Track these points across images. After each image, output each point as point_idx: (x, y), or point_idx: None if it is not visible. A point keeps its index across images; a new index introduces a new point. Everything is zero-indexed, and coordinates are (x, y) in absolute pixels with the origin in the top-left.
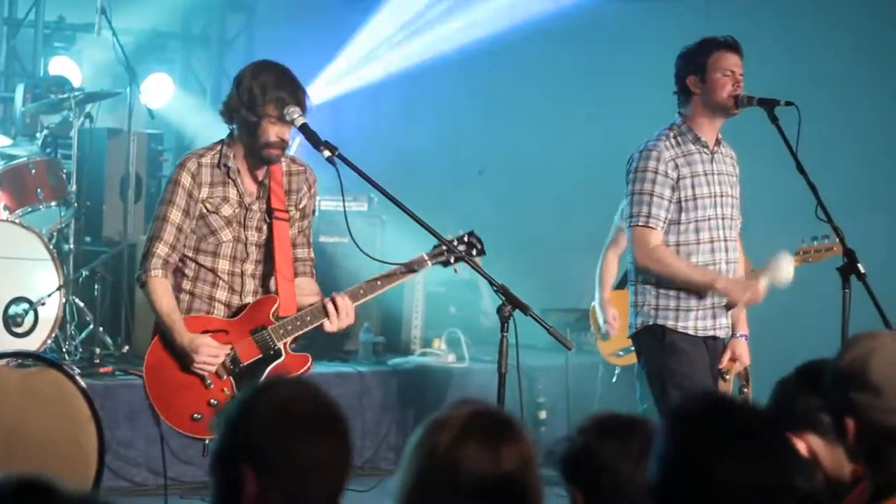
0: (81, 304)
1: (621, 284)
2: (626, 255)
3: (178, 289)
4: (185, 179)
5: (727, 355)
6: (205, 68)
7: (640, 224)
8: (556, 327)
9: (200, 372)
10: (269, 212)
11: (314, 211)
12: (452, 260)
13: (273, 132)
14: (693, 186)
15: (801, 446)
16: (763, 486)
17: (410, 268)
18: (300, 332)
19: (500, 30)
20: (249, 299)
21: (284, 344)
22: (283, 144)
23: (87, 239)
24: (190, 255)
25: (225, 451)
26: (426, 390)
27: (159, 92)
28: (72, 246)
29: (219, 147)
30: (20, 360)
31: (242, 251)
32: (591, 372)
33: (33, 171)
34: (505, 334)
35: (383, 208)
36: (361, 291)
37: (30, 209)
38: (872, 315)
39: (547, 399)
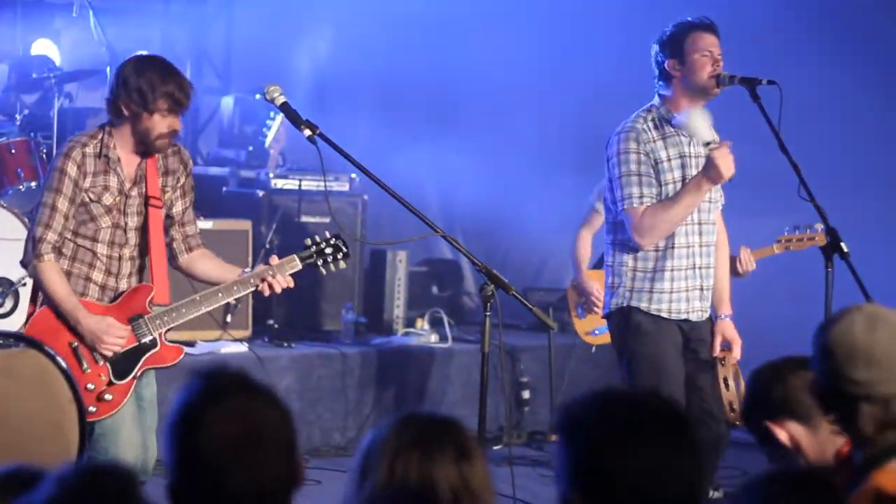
0: None
1: (598, 265)
2: (602, 236)
3: None
4: (72, 169)
5: (718, 339)
6: (184, 47)
7: (634, 205)
8: (539, 307)
9: (105, 352)
10: (146, 199)
11: (193, 187)
12: (320, 263)
13: (165, 124)
14: (669, 170)
15: (781, 434)
16: (673, 467)
17: (282, 269)
18: (175, 324)
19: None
20: (124, 283)
21: (160, 334)
22: (174, 134)
23: None
24: (68, 236)
25: (173, 459)
26: (409, 370)
27: None
28: None
29: (100, 136)
30: (1, 341)
31: (122, 236)
32: (574, 351)
33: (13, 151)
34: (488, 314)
35: (365, 187)
36: (220, 295)
37: (10, 190)
38: (855, 293)
39: (530, 379)
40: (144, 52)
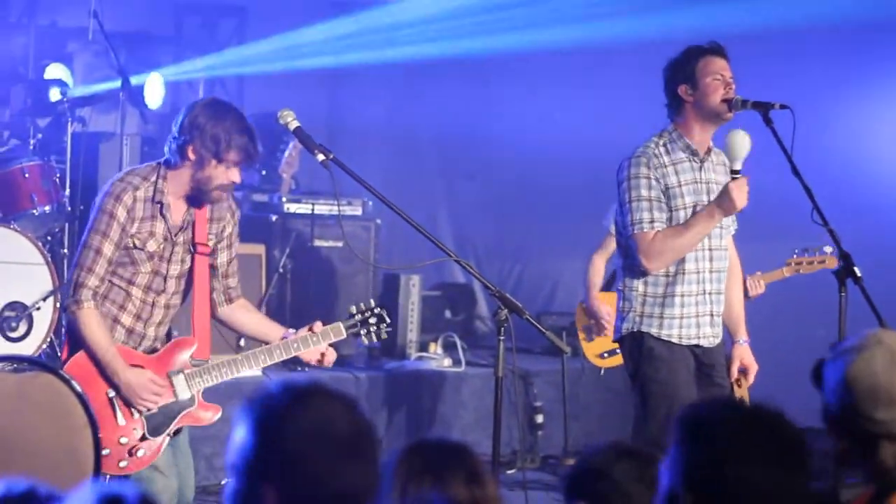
0: None
1: (608, 286)
2: (614, 259)
3: None
4: (121, 214)
5: (736, 365)
6: (196, 72)
7: (644, 230)
8: (552, 331)
9: (140, 407)
10: (193, 246)
11: (238, 237)
12: (363, 332)
13: (228, 176)
14: (680, 196)
15: None
16: (787, 487)
17: (327, 336)
18: (212, 384)
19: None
20: (152, 330)
21: (198, 392)
22: (232, 187)
23: None
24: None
25: (252, 462)
26: (422, 395)
27: (156, 93)
28: (66, 251)
29: (153, 178)
30: (15, 365)
31: (160, 283)
32: (587, 375)
33: (27, 175)
34: (501, 338)
35: (378, 212)
36: (262, 357)
37: (24, 214)
38: (869, 317)
39: (543, 403)
40: (214, 97)
